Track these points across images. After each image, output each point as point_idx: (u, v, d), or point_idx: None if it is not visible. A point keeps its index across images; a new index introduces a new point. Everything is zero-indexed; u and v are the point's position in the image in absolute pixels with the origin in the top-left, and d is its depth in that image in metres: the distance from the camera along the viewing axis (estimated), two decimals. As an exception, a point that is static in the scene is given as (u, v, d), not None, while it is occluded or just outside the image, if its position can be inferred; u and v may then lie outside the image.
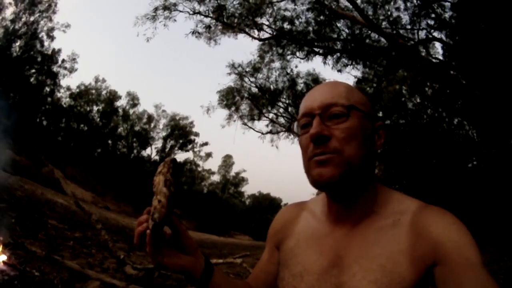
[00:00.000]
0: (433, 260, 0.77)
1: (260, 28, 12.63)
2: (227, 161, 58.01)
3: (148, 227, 0.78)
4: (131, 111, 41.55)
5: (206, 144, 46.76)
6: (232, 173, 58.94)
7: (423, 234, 0.80)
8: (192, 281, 0.87)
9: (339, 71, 13.35)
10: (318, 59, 13.65)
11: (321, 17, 12.17)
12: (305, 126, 0.90)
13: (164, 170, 0.81)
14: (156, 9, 12.27)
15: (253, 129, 19.19)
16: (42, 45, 29.89)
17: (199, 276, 0.86)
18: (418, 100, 16.11)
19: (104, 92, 39.46)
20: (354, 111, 0.86)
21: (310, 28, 12.55)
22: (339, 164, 0.83)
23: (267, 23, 12.67)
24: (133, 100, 41.31)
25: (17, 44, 28.06)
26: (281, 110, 18.28)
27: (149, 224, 0.78)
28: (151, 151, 43.74)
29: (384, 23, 11.95)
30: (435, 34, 11.52)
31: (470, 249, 0.75)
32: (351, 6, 10.06)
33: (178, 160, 0.83)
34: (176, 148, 43.89)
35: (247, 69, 16.62)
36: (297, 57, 14.13)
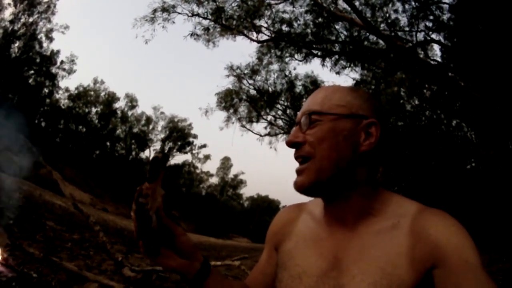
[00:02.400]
0: (433, 262, 0.76)
1: (258, 30, 12.65)
2: (226, 163, 58.05)
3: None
4: (129, 113, 41.71)
5: (204, 146, 46.90)
6: (231, 175, 59.05)
7: (422, 237, 0.79)
8: (185, 281, 0.88)
9: (338, 73, 13.40)
10: (316, 61, 13.72)
11: (320, 19, 12.20)
12: None
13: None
14: (154, 11, 12.28)
15: (252, 131, 19.20)
16: (41, 46, 29.98)
17: (191, 277, 0.87)
18: (417, 102, 16.18)
19: (102, 94, 39.62)
20: (322, 115, 0.88)
21: (309, 30, 12.59)
22: (311, 169, 0.86)
23: (265, 25, 12.71)
24: (132, 102, 41.41)
25: (16, 45, 28.13)
26: (280, 112, 18.33)
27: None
28: (149, 153, 43.74)
29: (382, 25, 11.99)
30: (434, 36, 11.59)
31: (469, 251, 0.75)
32: (349, 8, 10.07)
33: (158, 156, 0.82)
34: (175, 150, 43.94)
35: (246, 71, 16.65)
36: (296, 59, 14.20)
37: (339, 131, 0.87)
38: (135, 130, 41.89)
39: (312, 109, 0.89)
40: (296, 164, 0.93)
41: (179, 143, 44.06)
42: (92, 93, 38.83)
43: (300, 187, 0.88)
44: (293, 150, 0.91)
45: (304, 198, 0.95)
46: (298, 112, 0.96)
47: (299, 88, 16.96)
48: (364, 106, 0.90)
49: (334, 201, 0.90)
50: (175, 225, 0.87)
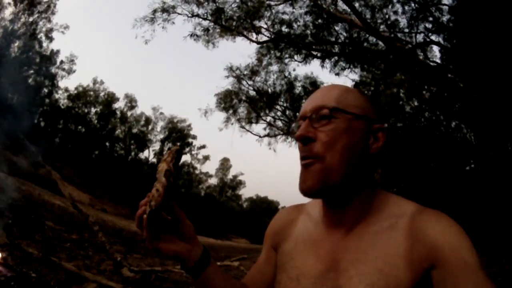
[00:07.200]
0: (431, 263, 0.76)
1: (258, 31, 12.64)
2: (225, 164, 57.94)
3: (145, 212, 0.80)
4: (129, 113, 41.68)
5: (203, 147, 46.93)
6: (230, 176, 58.89)
7: (420, 237, 0.79)
8: (186, 268, 0.89)
9: (337, 74, 13.35)
10: (316, 62, 13.67)
11: (319, 21, 12.18)
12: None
13: (168, 158, 0.83)
14: (154, 11, 12.24)
15: (251, 132, 19.12)
16: (41, 46, 29.97)
17: (192, 264, 0.87)
18: (416, 104, 16.15)
19: (102, 94, 39.60)
20: (340, 113, 0.87)
21: (308, 32, 12.57)
22: (320, 171, 0.84)
23: (265, 26, 12.69)
24: (131, 102, 41.39)
25: (16, 44, 28.09)
26: (279, 113, 18.27)
27: (146, 210, 0.80)
28: (148, 154, 43.80)
29: (382, 26, 11.98)
30: (433, 37, 11.57)
31: (467, 252, 0.75)
32: (349, 10, 10.06)
33: (182, 150, 0.83)
34: (174, 151, 43.86)
35: (245, 72, 16.59)
36: (295, 60, 14.16)
37: (355, 131, 0.87)
38: (135, 130, 41.88)
39: (329, 105, 0.88)
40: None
41: (178, 143, 44.03)
42: (91, 93, 38.82)
43: (308, 191, 0.85)
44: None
45: (303, 200, 0.95)
46: (306, 106, 0.92)
47: (298, 89, 16.91)
48: (373, 110, 0.92)
49: (338, 204, 0.89)
50: (179, 208, 0.87)
